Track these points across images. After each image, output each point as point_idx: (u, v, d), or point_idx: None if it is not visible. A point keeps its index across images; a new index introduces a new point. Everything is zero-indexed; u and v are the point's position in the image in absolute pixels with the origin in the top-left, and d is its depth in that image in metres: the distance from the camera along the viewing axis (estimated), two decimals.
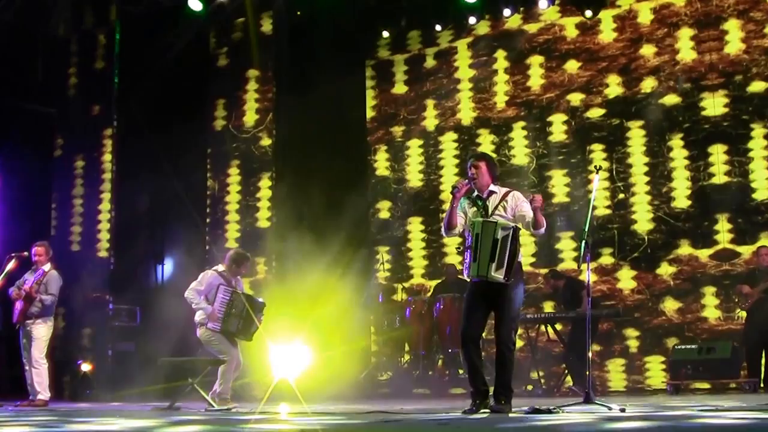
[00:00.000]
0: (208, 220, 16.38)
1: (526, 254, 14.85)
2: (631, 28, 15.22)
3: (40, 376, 11.94)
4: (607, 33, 15.36)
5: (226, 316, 10.91)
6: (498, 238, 8.38)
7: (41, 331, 11.99)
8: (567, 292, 13.82)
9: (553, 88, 15.67)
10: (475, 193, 8.79)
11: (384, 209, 16.91)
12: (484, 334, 8.86)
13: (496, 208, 8.67)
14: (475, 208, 8.73)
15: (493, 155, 15.77)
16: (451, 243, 16.13)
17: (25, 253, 12.23)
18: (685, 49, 14.75)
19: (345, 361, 14.23)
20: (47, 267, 12.21)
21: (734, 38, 14.46)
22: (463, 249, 8.69)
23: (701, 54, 14.63)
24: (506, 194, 8.76)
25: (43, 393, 11.93)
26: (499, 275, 8.40)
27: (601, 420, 7.25)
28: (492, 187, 8.80)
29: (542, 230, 8.72)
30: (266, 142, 16.18)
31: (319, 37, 15.92)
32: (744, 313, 13.17)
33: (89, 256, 16.38)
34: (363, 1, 15.90)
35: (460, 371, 14.41)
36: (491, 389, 8.62)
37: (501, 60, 16.16)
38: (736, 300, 13.18)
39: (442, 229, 8.94)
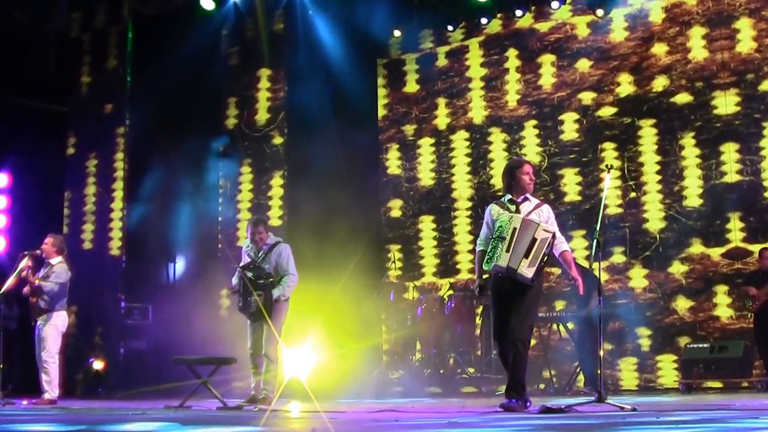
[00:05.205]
0: (219, 219, 16.41)
1: None
2: (643, 26, 15.19)
3: (48, 374, 11.94)
4: (618, 32, 15.34)
5: (238, 294, 10.72)
6: (537, 238, 8.47)
7: (49, 331, 11.98)
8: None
9: (565, 87, 15.65)
10: (509, 197, 8.87)
11: (395, 208, 16.91)
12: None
13: (528, 214, 8.75)
14: (507, 212, 8.78)
15: (504, 154, 15.91)
16: (463, 241, 16.15)
17: (38, 251, 12.24)
18: (697, 48, 14.72)
19: (356, 360, 14.25)
20: (55, 260, 12.22)
21: (746, 37, 14.42)
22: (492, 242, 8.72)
23: (713, 53, 14.59)
24: (539, 205, 8.93)
25: (51, 392, 11.92)
26: (528, 273, 8.49)
27: (612, 419, 7.25)
28: (527, 194, 8.95)
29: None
30: (278, 140, 16.19)
31: (331, 36, 15.94)
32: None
33: (101, 255, 16.40)
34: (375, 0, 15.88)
35: (471, 370, 14.46)
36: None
37: (512, 59, 16.15)
38: (746, 304, 13.12)
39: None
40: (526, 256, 8.46)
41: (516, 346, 8.57)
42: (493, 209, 8.93)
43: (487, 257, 8.70)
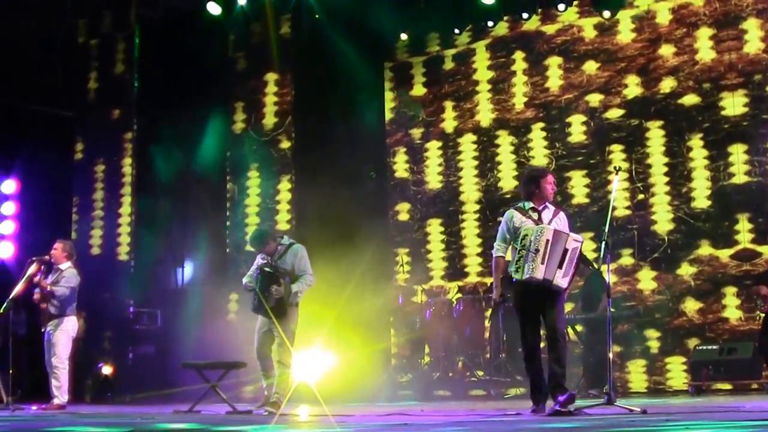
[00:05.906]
0: (227, 223, 16.41)
1: None
2: (650, 28, 15.15)
3: (57, 380, 11.96)
4: (625, 33, 15.30)
5: (254, 292, 10.70)
6: (568, 248, 8.54)
7: (59, 336, 11.99)
8: (587, 285, 13.65)
9: (572, 89, 15.62)
10: (530, 204, 8.86)
11: (403, 211, 16.89)
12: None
13: (550, 222, 8.78)
14: (530, 221, 8.79)
15: (512, 156, 15.91)
16: (471, 244, 16.13)
17: (47, 257, 12.24)
18: (704, 49, 14.68)
19: (365, 363, 14.25)
20: (64, 265, 12.22)
21: (753, 37, 14.38)
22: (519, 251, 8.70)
23: (720, 54, 14.56)
24: (557, 212, 8.97)
25: (60, 397, 11.93)
26: (563, 283, 8.62)
27: (622, 422, 7.24)
28: (547, 203, 9.02)
29: None
30: (285, 144, 16.19)
31: (338, 40, 15.95)
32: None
33: (110, 260, 16.43)
34: (381, 3, 15.87)
35: (480, 373, 14.44)
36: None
37: (519, 61, 16.13)
38: (757, 303, 13.06)
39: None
40: (560, 266, 8.54)
41: (558, 341, 8.69)
42: (514, 216, 8.89)
43: (515, 267, 8.67)
